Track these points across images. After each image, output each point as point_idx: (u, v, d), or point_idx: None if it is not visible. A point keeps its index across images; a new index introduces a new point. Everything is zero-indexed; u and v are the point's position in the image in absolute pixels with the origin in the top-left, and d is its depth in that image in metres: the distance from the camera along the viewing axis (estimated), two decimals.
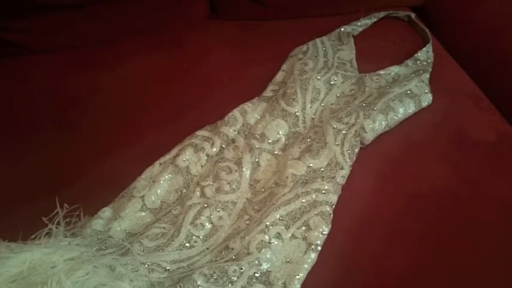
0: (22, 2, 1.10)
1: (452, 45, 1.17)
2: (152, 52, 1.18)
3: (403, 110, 0.96)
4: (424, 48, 1.11)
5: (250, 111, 0.98)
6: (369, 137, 0.92)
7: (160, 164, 0.91)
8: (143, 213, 0.85)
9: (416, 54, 1.09)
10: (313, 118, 0.97)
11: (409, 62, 1.07)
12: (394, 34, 1.19)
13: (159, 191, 0.87)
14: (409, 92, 0.98)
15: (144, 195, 0.86)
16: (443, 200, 0.86)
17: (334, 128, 0.91)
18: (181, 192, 0.88)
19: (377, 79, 1.02)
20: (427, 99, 0.99)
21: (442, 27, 1.24)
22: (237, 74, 1.10)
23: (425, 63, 1.08)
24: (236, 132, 0.95)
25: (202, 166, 0.91)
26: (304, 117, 0.97)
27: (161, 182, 0.88)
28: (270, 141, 0.93)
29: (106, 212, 0.84)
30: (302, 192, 0.83)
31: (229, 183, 0.87)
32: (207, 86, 1.08)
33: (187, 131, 0.95)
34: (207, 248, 0.81)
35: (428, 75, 1.03)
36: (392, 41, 1.17)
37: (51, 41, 1.19)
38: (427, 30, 1.17)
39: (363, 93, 1.00)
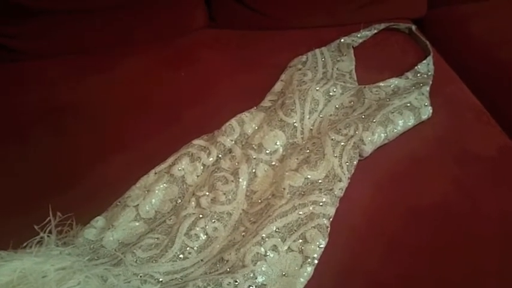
0: (16, 8, 1.10)
1: (453, 58, 1.17)
2: (149, 59, 1.18)
3: (403, 122, 0.95)
4: (424, 61, 1.10)
5: (248, 121, 0.97)
6: (368, 149, 0.91)
7: (156, 173, 0.90)
8: (137, 223, 0.84)
9: (416, 67, 1.09)
10: (311, 129, 0.96)
11: (409, 74, 1.07)
12: (395, 46, 1.19)
13: (153, 200, 0.86)
14: (408, 104, 0.98)
15: (138, 205, 0.85)
16: (443, 214, 0.85)
17: (332, 139, 0.90)
18: (176, 202, 0.87)
19: (376, 91, 1.02)
20: (426, 112, 0.98)
21: (442, 40, 1.24)
22: (235, 82, 1.10)
23: (425, 75, 1.07)
24: (233, 142, 0.94)
25: (198, 176, 0.90)
26: (303, 128, 0.96)
27: (156, 191, 0.87)
28: (267, 151, 0.92)
29: (99, 221, 0.83)
30: (299, 204, 0.82)
31: (225, 193, 0.86)
32: (204, 94, 1.08)
33: (183, 139, 0.94)
34: (201, 260, 0.79)
35: (428, 88, 1.03)
36: (392, 53, 1.17)
37: (47, 47, 1.19)
38: (428, 42, 1.17)
39: (362, 105, 0.99)
